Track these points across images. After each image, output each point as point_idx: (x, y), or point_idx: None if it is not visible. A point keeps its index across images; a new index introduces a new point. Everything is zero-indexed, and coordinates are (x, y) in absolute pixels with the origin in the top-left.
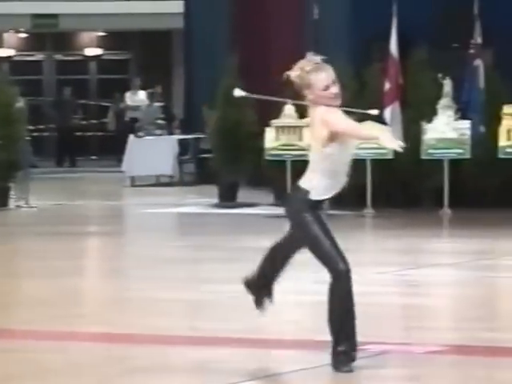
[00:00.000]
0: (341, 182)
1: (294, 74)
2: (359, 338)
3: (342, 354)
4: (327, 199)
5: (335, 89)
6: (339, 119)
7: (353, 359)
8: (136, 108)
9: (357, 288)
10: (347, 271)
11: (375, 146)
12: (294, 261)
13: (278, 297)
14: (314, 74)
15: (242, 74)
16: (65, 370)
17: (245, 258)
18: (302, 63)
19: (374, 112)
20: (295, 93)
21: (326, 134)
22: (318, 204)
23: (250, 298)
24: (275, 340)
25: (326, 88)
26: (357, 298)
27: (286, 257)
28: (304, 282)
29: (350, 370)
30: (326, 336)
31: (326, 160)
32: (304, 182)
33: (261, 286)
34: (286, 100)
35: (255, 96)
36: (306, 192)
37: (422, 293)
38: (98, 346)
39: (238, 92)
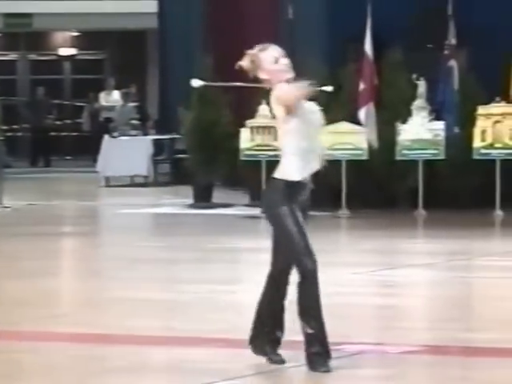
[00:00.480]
0: (313, 161)
1: (244, 61)
2: (335, 338)
3: (315, 355)
4: (304, 185)
5: (285, 60)
6: (282, 88)
7: (328, 358)
8: (110, 108)
9: (332, 288)
10: (314, 271)
11: (350, 146)
12: (264, 261)
13: (249, 296)
14: (262, 52)
15: (217, 73)
16: (42, 371)
17: (220, 258)
18: (249, 51)
19: (329, 88)
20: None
21: (281, 110)
22: (294, 189)
23: (224, 298)
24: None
25: (276, 60)
26: (332, 299)
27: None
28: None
29: (328, 370)
30: (299, 336)
31: (290, 137)
32: (277, 172)
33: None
34: (245, 84)
35: (214, 84)
36: (280, 181)
37: (397, 293)
38: (76, 346)
39: (196, 82)
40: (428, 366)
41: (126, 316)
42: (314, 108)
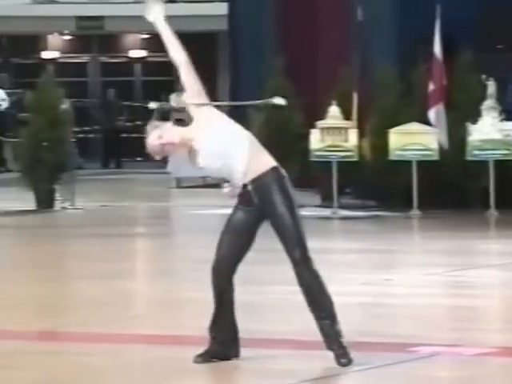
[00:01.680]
0: None
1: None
2: (410, 339)
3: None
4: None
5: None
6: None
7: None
8: (182, 109)
9: (406, 289)
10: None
11: (421, 147)
12: (336, 262)
13: None
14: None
15: (288, 75)
16: (116, 373)
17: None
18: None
19: (280, 101)
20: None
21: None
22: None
23: (298, 299)
24: (321, 342)
25: (159, 136)
26: (406, 300)
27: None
28: (349, 283)
29: (349, 361)
30: (374, 337)
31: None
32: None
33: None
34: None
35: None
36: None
37: (471, 294)
38: (150, 348)
39: (153, 105)
40: (503, 367)
41: (200, 317)
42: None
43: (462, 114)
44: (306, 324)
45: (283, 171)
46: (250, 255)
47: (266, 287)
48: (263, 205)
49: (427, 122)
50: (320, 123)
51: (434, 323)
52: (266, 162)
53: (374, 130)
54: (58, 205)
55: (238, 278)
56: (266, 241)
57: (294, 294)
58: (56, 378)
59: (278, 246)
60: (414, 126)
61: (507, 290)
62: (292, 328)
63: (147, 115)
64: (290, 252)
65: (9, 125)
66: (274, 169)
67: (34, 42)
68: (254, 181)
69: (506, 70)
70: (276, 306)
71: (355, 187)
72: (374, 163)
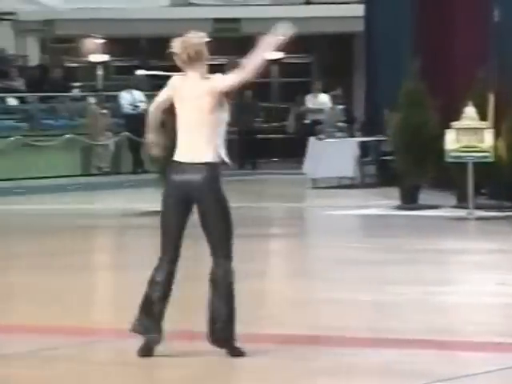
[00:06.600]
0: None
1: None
2: None
3: None
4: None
5: None
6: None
7: None
8: (317, 110)
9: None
10: None
11: None
12: (473, 262)
13: (460, 298)
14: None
15: (424, 76)
16: (247, 373)
17: (427, 259)
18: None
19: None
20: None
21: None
22: None
23: (432, 299)
24: (458, 342)
25: None
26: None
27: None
28: (486, 284)
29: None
30: (510, 338)
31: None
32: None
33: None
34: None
35: (154, 73)
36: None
37: None
38: (281, 347)
39: (140, 72)
40: None
41: (333, 317)
42: None
43: None
44: (443, 324)
45: None
46: (384, 256)
47: (402, 287)
48: None
49: None
50: (455, 124)
51: None
52: None
53: (511, 131)
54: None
55: (373, 278)
56: (400, 241)
57: (431, 294)
58: (195, 376)
59: (414, 246)
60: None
61: None
62: (427, 327)
63: (281, 117)
64: None
65: (146, 127)
66: None
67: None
68: None
69: None
70: (411, 306)
71: (491, 188)
72: (510, 163)
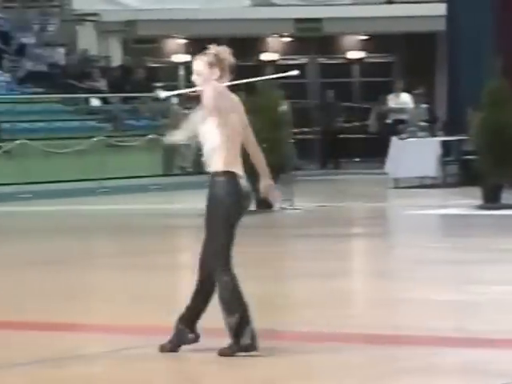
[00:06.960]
0: None
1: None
2: None
3: None
4: None
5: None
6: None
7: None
8: (399, 110)
9: None
10: None
11: None
12: None
13: None
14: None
15: (506, 75)
16: (330, 372)
17: (508, 259)
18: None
19: (294, 73)
20: None
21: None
22: None
23: None
24: None
25: None
26: None
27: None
28: None
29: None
30: None
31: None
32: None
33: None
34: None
35: (178, 92)
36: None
37: None
38: (366, 347)
39: (163, 94)
40: None
41: (417, 316)
42: None
43: None
44: None
45: None
46: (466, 256)
47: (484, 286)
48: None
49: None
50: None
51: None
52: None
53: None
54: (276, 205)
55: (455, 278)
56: (482, 241)
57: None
58: (271, 376)
59: (496, 246)
60: None
61: None
62: (510, 327)
63: (363, 116)
64: None
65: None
66: None
67: (254, 44)
68: None
69: None
70: (493, 306)
71: None
72: None
